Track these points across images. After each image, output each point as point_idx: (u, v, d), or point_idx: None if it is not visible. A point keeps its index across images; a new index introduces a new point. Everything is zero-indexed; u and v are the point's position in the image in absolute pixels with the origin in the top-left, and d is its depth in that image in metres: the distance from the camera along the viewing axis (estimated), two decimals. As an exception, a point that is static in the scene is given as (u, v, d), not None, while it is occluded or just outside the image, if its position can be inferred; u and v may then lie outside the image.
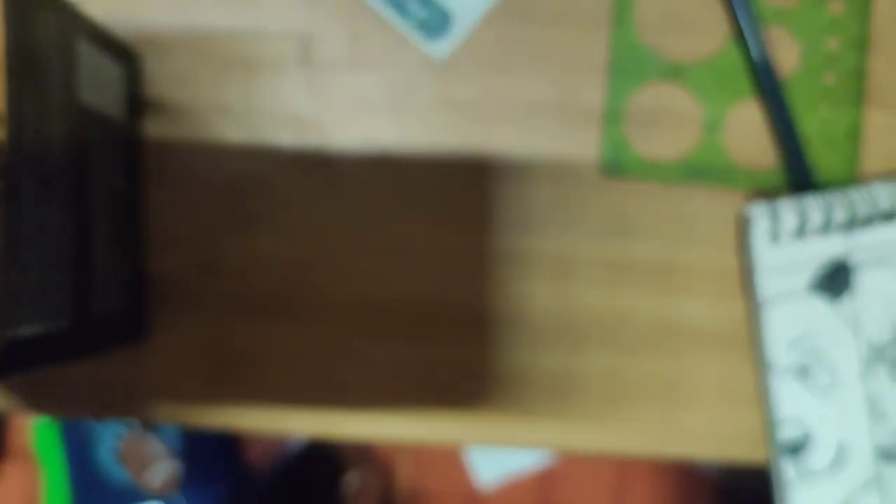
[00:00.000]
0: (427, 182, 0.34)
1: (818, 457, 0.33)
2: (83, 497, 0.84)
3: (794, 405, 0.33)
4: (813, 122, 0.34)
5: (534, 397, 0.34)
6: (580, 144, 0.34)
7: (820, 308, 0.33)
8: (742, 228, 0.34)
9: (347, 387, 0.34)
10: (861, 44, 0.34)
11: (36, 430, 0.87)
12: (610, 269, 0.34)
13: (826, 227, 0.33)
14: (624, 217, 0.34)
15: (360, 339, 0.34)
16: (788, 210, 0.33)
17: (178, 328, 0.34)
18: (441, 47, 0.34)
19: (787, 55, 0.34)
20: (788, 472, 0.33)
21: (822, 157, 0.34)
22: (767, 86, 0.33)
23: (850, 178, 0.34)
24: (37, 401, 0.35)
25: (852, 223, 0.33)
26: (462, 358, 0.34)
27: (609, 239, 0.34)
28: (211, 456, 0.85)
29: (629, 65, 0.34)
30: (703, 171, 0.34)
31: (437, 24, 0.34)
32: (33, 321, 0.24)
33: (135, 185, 0.33)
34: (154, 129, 0.34)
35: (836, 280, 0.33)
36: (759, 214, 0.33)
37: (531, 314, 0.34)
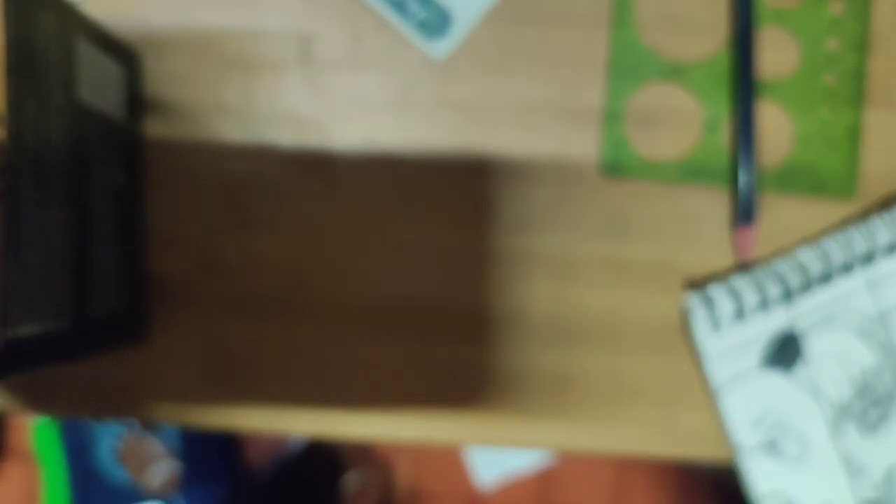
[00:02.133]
0: (427, 182, 0.34)
1: None
2: (83, 497, 0.84)
3: (769, 481, 0.33)
4: (813, 122, 0.34)
5: (533, 397, 0.34)
6: (580, 144, 0.34)
7: (775, 382, 0.33)
8: (684, 320, 0.34)
9: (347, 387, 0.34)
10: (861, 44, 0.34)
11: (36, 430, 0.87)
12: (609, 269, 0.34)
13: (764, 304, 0.33)
14: (624, 217, 0.34)
15: (360, 339, 0.34)
16: (721, 295, 0.33)
17: (177, 328, 0.34)
18: (441, 47, 0.34)
19: (787, 55, 0.34)
20: None
21: (822, 158, 0.34)
22: (744, 89, 0.34)
23: (851, 178, 0.34)
24: (37, 401, 0.35)
25: (788, 294, 0.33)
26: (462, 358, 0.34)
27: (609, 239, 0.34)
28: (211, 456, 0.85)
29: (629, 65, 0.34)
30: (703, 171, 0.34)
31: (436, 24, 0.34)
32: (33, 321, 0.24)
33: (135, 184, 0.33)
34: (154, 129, 0.34)
35: (786, 351, 0.33)
36: (696, 304, 0.33)
37: (531, 314, 0.34)
